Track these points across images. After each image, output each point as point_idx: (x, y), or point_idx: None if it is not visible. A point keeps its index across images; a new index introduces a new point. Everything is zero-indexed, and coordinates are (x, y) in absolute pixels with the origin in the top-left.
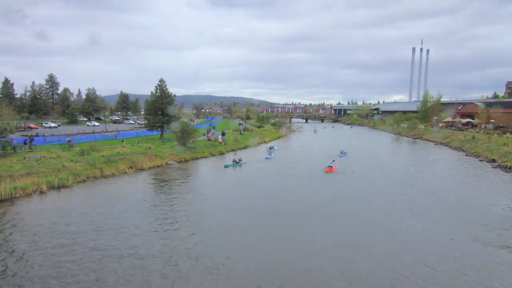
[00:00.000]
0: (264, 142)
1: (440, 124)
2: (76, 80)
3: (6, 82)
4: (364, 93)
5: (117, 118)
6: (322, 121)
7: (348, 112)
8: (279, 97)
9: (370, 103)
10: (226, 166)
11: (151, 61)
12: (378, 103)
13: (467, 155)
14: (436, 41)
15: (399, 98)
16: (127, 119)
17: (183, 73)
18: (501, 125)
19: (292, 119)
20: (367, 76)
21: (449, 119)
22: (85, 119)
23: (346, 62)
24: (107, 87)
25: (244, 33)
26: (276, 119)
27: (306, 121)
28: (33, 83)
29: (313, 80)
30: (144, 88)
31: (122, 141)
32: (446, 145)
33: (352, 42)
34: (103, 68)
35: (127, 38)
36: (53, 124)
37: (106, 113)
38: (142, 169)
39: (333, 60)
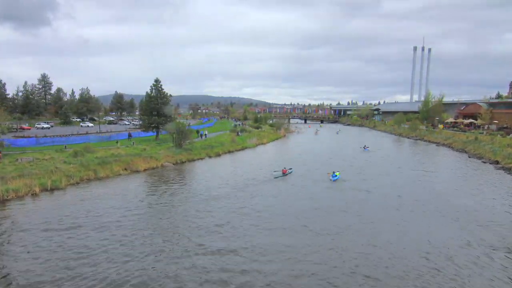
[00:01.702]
0: (262, 143)
1: (440, 125)
2: (68, 79)
3: None
4: (382, 92)
5: (112, 119)
6: (322, 122)
7: (348, 112)
8: (286, 97)
9: (371, 103)
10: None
11: (148, 59)
12: (379, 103)
13: (470, 157)
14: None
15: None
16: (121, 119)
17: (184, 71)
18: (505, 125)
19: (291, 119)
20: (390, 74)
21: (451, 119)
22: (78, 119)
23: (368, 57)
24: (102, 87)
25: (257, 26)
26: (274, 120)
27: (305, 122)
28: (26, 83)
29: (330, 77)
30: (141, 88)
31: (117, 142)
32: (449, 146)
33: (377, 36)
34: (97, 67)
35: (122, 35)
36: (45, 125)
37: (100, 113)
38: (137, 171)
39: (355, 55)
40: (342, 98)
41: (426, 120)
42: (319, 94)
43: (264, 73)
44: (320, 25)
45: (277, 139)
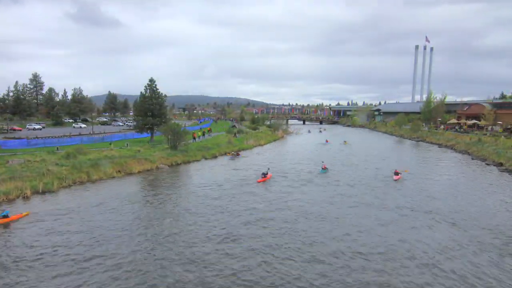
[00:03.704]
0: (260, 144)
1: (442, 126)
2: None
3: None
4: (404, 91)
5: (105, 119)
6: (321, 123)
7: (348, 113)
8: (289, 96)
9: (371, 104)
10: None
11: (145, 58)
12: (379, 103)
13: (473, 159)
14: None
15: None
16: (115, 120)
17: (181, 70)
18: (509, 127)
19: (289, 120)
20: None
21: (454, 120)
22: (71, 120)
23: (396, 51)
24: (95, 87)
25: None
26: (272, 121)
27: (304, 123)
28: (17, 82)
29: (349, 75)
30: (135, 89)
31: (110, 144)
32: (451, 148)
33: (417, 25)
34: (90, 67)
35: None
36: (37, 126)
37: (93, 114)
38: (131, 173)
39: (381, 50)
40: (359, 98)
41: (428, 121)
42: (333, 93)
43: (276, 71)
44: (348, 16)
45: (275, 140)
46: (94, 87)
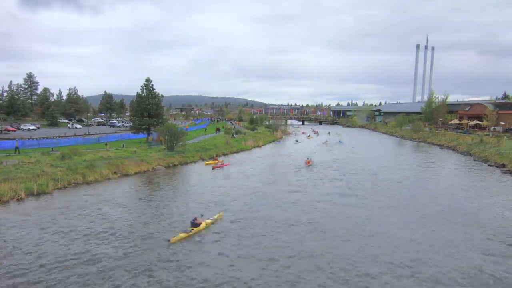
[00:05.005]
0: (258, 146)
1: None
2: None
3: None
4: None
5: (101, 120)
6: (320, 123)
7: (348, 113)
8: (287, 96)
9: (372, 104)
10: None
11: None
12: (380, 103)
13: (475, 160)
14: None
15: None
16: (111, 121)
17: (178, 70)
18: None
19: (288, 121)
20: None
21: (455, 121)
22: (66, 121)
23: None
24: (91, 87)
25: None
26: (270, 121)
27: (303, 123)
28: (11, 82)
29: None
30: (132, 89)
31: (106, 144)
32: (453, 149)
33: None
34: (86, 67)
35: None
36: (32, 127)
37: (89, 114)
38: (127, 175)
39: (403, 45)
40: (372, 97)
41: (429, 121)
42: (344, 92)
43: (281, 70)
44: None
45: (273, 141)
46: (90, 87)
